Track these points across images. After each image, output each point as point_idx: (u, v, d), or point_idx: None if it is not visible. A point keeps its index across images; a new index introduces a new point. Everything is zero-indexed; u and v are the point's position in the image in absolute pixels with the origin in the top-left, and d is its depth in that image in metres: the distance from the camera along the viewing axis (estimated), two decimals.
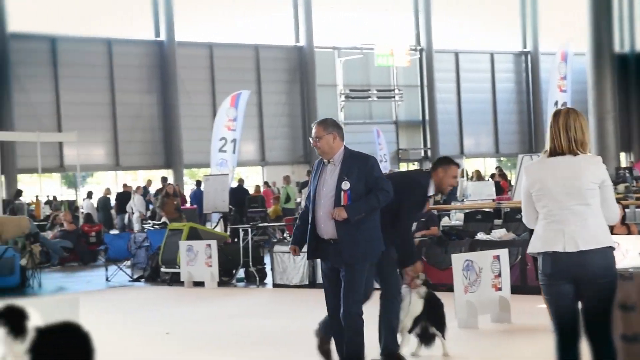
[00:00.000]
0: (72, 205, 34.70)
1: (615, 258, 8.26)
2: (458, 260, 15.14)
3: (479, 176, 42.45)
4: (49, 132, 40.43)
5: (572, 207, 7.87)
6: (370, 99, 52.34)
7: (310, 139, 9.89)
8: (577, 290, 8.06)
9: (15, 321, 10.55)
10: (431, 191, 11.78)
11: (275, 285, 22.43)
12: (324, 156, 10.10)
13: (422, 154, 54.91)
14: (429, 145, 54.85)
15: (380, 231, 10.24)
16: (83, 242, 31.51)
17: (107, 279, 25.58)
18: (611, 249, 8.10)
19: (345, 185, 9.48)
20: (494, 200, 30.63)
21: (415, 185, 11.25)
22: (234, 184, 30.76)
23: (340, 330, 9.96)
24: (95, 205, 39.12)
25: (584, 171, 7.80)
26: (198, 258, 23.80)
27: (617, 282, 8.25)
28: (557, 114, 8.08)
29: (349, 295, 9.82)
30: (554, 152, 7.94)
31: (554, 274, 8.13)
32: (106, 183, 43.19)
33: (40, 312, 11.35)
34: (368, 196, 9.79)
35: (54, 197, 39.90)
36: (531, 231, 13.94)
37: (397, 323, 11.32)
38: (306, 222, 10.17)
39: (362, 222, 9.81)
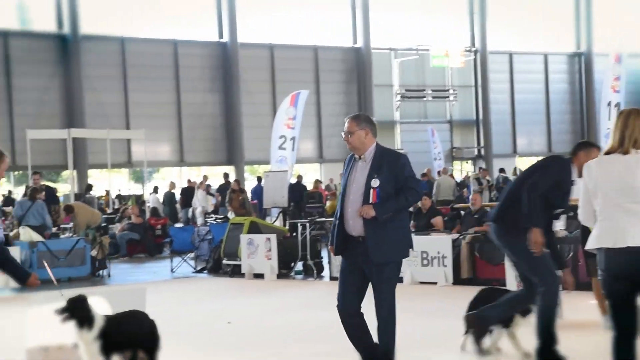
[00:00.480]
0: (139, 200, 34.98)
1: None
2: None
3: None
4: (118, 129, 40.72)
5: (624, 204, 8.00)
6: (425, 99, 52.29)
7: (342, 134, 9.78)
8: (632, 287, 8.14)
9: (82, 312, 11.01)
10: (575, 176, 11.50)
11: (332, 278, 22.09)
12: (355, 152, 9.87)
13: (476, 152, 54.73)
14: (482, 144, 54.62)
15: (409, 230, 10.26)
16: (149, 234, 31.96)
17: (172, 270, 25.92)
18: None
19: (375, 182, 9.31)
20: None
21: (562, 171, 11.07)
22: (293, 180, 30.91)
23: (351, 325, 9.84)
24: (161, 199, 39.47)
25: (636, 169, 7.92)
26: (258, 251, 23.97)
27: None
28: (620, 114, 8.26)
29: (381, 298, 9.65)
30: (610, 151, 8.11)
31: (608, 270, 8.25)
32: (171, 178, 43.34)
33: (109, 301, 11.76)
34: (397, 195, 9.58)
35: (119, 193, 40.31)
36: (584, 228, 14.16)
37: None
38: (342, 221, 9.89)
39: (391, 221, 9.56)
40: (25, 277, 10.51)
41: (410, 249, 10.21)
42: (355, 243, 9.51)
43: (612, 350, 8.47)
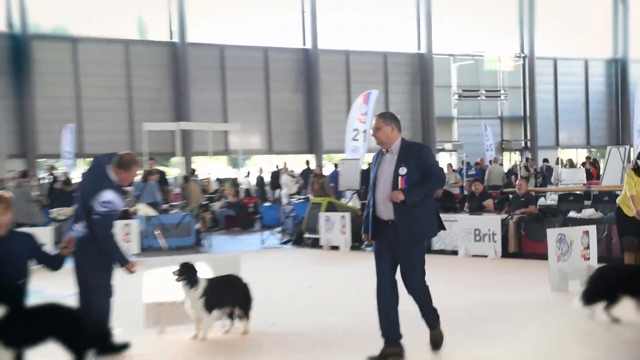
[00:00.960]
0: (234, 182, 35.29)
1: None
2: (552, 234, 15.32)
3: (571, 164, 42.24)
4: (218, 123, 41.19)
5: None
6: (479, 98, 52.09)
7: (370, 130, 10.06)
8: None
9: (190, 275, 11.36)
10: None
11: None
12: (383, 146, 9.87)
13: (523, 144, 54.35)
14: (528, 137, 54.23)
15: (435, 213, 10.04)
16: (243, 211, 32.46)
17: (261, 242, 26.11)
18: None
19: (402, 170, 9.37)
20: (584, 184, 30.57)
21: None
22: (364, 167, 31.02)
23: (386, 300, 9.82)
24: (253, 182, 39.94)
25: None
26: (334, 227, 24.42)
27: None
28: None
29: (410, 274, 9.70)
30: None
31: None
32: (261, 164, 43.69)
33: (210, 267, 12.10)
34: (423, 181, 9.53)
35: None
36: (618, 211, 14.39)
37: None
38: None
39: (417, 205, 9.54)
40: (124, 263, 10.71)
41: (442, 229, 10.30)
42: (385, 226, 9.55)
43: None
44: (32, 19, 40.34)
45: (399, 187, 9.31)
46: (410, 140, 10.11)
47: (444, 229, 10.62)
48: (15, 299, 9.93)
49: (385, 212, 9.54)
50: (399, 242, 9.50)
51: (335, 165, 36.88)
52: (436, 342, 9.87)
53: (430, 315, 9.94)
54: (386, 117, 9.86)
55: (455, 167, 39.33)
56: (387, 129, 9.74)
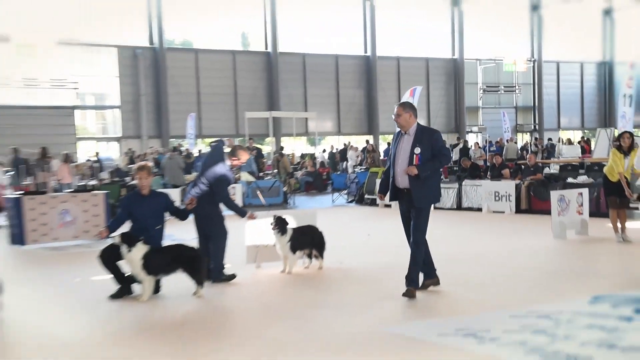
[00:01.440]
0: (312, 156, 35.36)
1: None
2: (554, 195, 15.39)
3: (569, 142, 41.85)
4: (300, 112, 41.41)
5: None
6: (499, 92, 51.68)
7: (393, 116, 9.70)
8: None
9: (281, 225, 11.46)
10: None
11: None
12: (402, 129, 9.73)
13: (532, 127, 53.92)
14: (537, 121, 53.87)
15: (440, 185, 10.03)
16: (319, 178, 32.53)
17: (332, 201, 26.18)
18: None
19: (417, 150, 9.25)
20: (579, 157, 30.53)
21: None
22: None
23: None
24: (326, 156, 39.98)
25: None
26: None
27: None
28: None
29: (417, 229, 9.55)
30: None
31: None
32: (332, 143, 43.89)
33: (295, 219, 12.19)
34: (433, 159, 9.45)
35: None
36: (605, 178, 14.36)
37: None
38: (389, 176, 9.88)
39: (427, 178, 9.47)
40: (244, 214, 11.29)
41: (440, 197, 10.24)
42: (402, 193, 9.52)
43: None
44: (167, 36, 41.08)
45: (414, 163, 9.25)
46: (424, 125, 9.97)
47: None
48: (155, 240, 10.37)
49: (402, 182, 9.48)
50: (412, 205, 9.45)
51: (388, 144, 36.82)
52: (409, 295, 9.53)
53: (413, 271, 9.66)
54: (405, 106, 9.78)
55: (480, 144, 39.12)
56: (406, 116, 9.65)
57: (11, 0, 36.72)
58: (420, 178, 9.36)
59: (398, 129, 9.82)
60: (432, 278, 9.95)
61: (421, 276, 9.88)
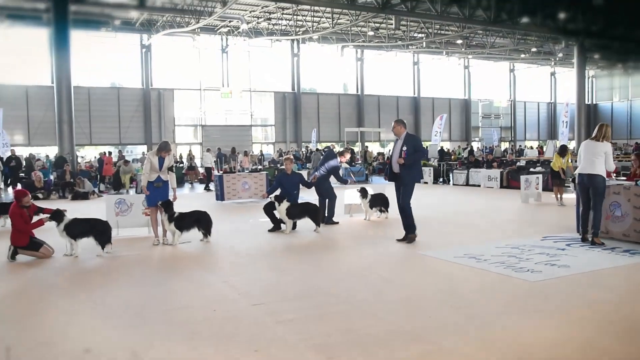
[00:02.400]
0: (382, 154, 34.82)
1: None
2: (523, 178, 16.37)
3: (531, 147, 40.45)
4: (375, 127, 40.70)
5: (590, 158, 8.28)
6: (490, 118, 49.61)
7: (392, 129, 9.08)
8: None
9: (364, 192, 11.37)
10: None
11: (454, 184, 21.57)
12: (397, 136, 9.01)
13: (510, 138, 51.65)
14: (512, 135, 52.15)
15: (421, 171, 9.26)
16: (385, 166, 31.61)
17: None
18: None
19: (404, 148, 8.73)
20: (537, 156, 29.49)
21: None
22: (439, 147, 30.60)
23: (404, 210, 8.97)
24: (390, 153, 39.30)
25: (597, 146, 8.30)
26: (425, 174, 23.65)
27: None
28: (599, 125, 8.45)
29: (404, 198, 8.86)
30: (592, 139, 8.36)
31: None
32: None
33: (372, 189, 12.02)
34: (414, 154, 8.77)
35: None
36: (550, 169, 14.06)
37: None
38: (390, 166, 9.20)
39: (410, 167, 8.80)
40: (345, 182, 11.91)
41: (421, 179, 9.60)
42: (396, 175, 8.98)
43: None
44: (303, 84, 40.96)
45: (402, 156, 8.77)
46: (411, 133, 9.19)
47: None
48: (294, 199, 10.69)
49: (395, 168, 8.92)
50: (402, 183, 8.85)
51: (426, 147, 36.17)
52: (410, 240, 8.97)
53: (409, 225, 9.06)
54: (398, 122, 9.10)
55: (480, 148, 38.38)
56: (398, 127, 9.00)
57: (219, 66, 37.63)
58: (405, 166, 8.80)
59: (396, 137, 9.10)
60: (413, 233, 9.09)
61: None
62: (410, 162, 8.84)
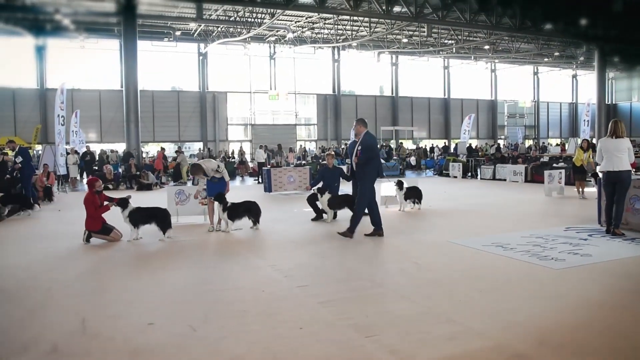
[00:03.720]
0: (413, 148, 34.39)
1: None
2: (546, 172, 15.61)
3: (555, 144, 39.27)
4: (409, 126, 40.37)
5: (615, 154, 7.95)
6: (516, 117, 48.52)
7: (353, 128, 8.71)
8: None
9: (400, 184, 11.13)
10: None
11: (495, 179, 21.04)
12: (356, 136, 8.53)
13: (534, 136, 50.21)
14: (536, 133, 50.67)
15: (375, 169, 8.38)
16: (418, 162, 31.37)
17: (425, 174, 24.99)
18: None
19: (359, 147, 8.23)
20: (559, 153, 28.58)
21: None
22: (467, 145, 30.09)
23: (371, 206, 8.41)
24: (422, 149, 38.80)
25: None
26: (456, 168, 23.22)
27: None
28: (613, 121, 8.15)
29: (361, 195, 8.29)
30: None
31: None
32: (425, 143, 42.73)
33: (406, 182, 11.78)
34: (365, 154, 8.22)
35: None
36: (572, 164, 13.59)
37: None
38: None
39: (364, 164, 8.25)
40: (382, 176, 11.44)
41: (381, 177, 9.00)
42: (354, 172, 8.56)
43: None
44: (342, 87, 40.68)
45: (357, 155, 8.29)
46: (368, 133, 8.47)
47: (382, 176, 9.33)
48: (334, 191, 10.63)
49: (355, 166, 8.43)
50: (358, 179, 8.38)
51: (456, 144, 35.60)
52: (379, 235, 8.36)
53: (376, 222, 8.45)
54: (358, 121, 8.54)
55: (506, 145, 37.52)
56: (358, 127, 8.46)
57: (267, 71, 37.79)
58: (360, 164, 8.29)
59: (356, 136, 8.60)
60: (380, 229, 8.47)
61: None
62: (363, 162, 8.25)
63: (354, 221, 8.39)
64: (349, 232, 8.34)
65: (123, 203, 8.48)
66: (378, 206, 8.55)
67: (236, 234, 9.03)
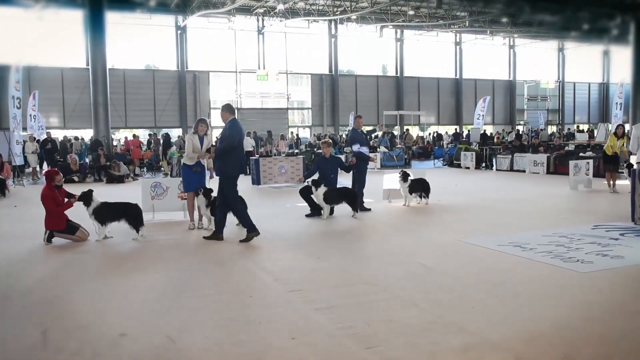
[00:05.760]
0: (423, 137, 34.50)
1: None
2: (572, 163, 15.50)
3: (581, 131, 39.51)
4: (415, 111, 40.36)
5: None
6: (537, 100, 48.82)
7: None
8: None
9: (405, 176, 11.25)
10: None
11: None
12: (223, 120, 8.07)
13: (558, 121, 50.35)
14: (560, 118, 50.77)
15: (235, 160, 8.00)
16: (426, 150, 31.56)
17: (433, 164, 25.09)
18: None
19: (218, 136, 7.79)
20: (587, 140, 28.72)
21: None
22: (481, 131, 30.28)
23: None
24: (430, 137, 38.92)
25: None
26: (468, 157, 23.39)
27: None
28: None
29: (225, 193, 8.07)
30: None
31: None
32: (435, 129, 42.88)
33: (412, 174, 11.87)
34: (220, 145, 8.04)
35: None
36: (603, 152, 13.74)
37: None
38: None
39: (220, 157, 7.96)
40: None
41: (242, 173, 8.26)
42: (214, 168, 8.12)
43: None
44: (340, 66, 40.64)
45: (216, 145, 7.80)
46: (234, 119, 8.05)
47: (242, 171, 8.17)
48: (331, 184, 10.63)
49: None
50: (216, 174, 8.11)
51: (468, 131, 35.66)
52: (249, 239, 8.04)
53: (247, 225, 8.13)
54: (224, 107, 8.12)
55: (525, 132, 37.73)
56: (223, 113, 8.03)
57: (255, 48, 37.69)
58: (217, 157, 8.04)
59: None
60: (255, 231, 8.10)
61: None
62: (219, 153, 8.02)
63: (245, 222, 8.19)
64: (252, 232, 8.09)
65: (85, 198, 8.39)
66: (246, 205, 8.35)
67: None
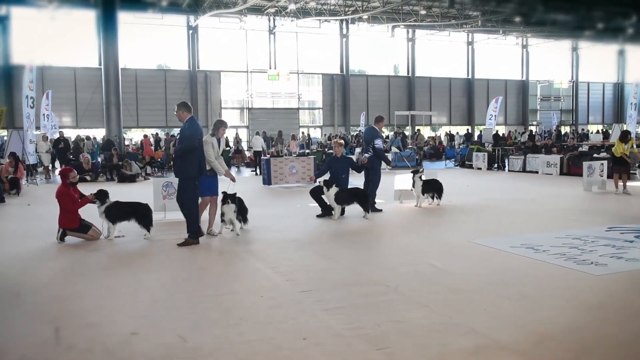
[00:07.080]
0: (434, 137, 34.34)
1: None
2: (585, 164, 15.36)
3: (596, 131, 39.15)
4: (427, 111, 40.36)
5: None
6: (550, 100, 48.63)
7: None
8: None
9: (417, 172, 11.06)
10: None
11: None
12: (179, 119, 7.86)
13: (571, 122, 50.29)
14: (574, 119, 50.48)
15: (194, 161, 7.76)
16: (437, 151, 31.29)
17: (445, 165, 25.01)
18: None
19: (178, 135, 7.81)
20: (601, 141, 28.39)
21: None
22: (494, 132, 29.98)
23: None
24: (442, 137, 38.83)
25: None
26: (480, 158, 23.22)
27: None
28: None
29: (180, 193, 8.00)
30: None
31: None
32: (446, 130, 42.72)
33: (423, 175, 11.72)
34: (180, 145, 7.86)
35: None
36: (612, 154, 13.59)
37: None
38: None
39: (180, 157, 7.82)
40: (389, 163, 11.44)
41: (201, 174, 8.09)
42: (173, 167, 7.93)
43: None
44: (352, 66, 40.68)
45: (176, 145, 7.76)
46: (193, 119, 7.86)
47: (201, 172, 7.96)
48: (342, 184, 10.61)
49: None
50: (176, 174, 8.01)
51: (480, 131, 35.47)
52: (186, 244, 7.87)
53: (191, 229, 7.94)
54: (179, 105, 7.90)
55: (538, 133, 37.52)
56: (180, 112, 7.80)
57: (266, 48, 37.71)
58: (177, 157, 7.95)
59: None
60: (193, 239, 7.97)
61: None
62: (179, 154, 7.83)
63: (191, 224, 7.99)
64: (192, 240, 7.94)
65: (101, 196, 8.46)
66: (198, 208, 8.11)
67: (231, 233, 9.04)
